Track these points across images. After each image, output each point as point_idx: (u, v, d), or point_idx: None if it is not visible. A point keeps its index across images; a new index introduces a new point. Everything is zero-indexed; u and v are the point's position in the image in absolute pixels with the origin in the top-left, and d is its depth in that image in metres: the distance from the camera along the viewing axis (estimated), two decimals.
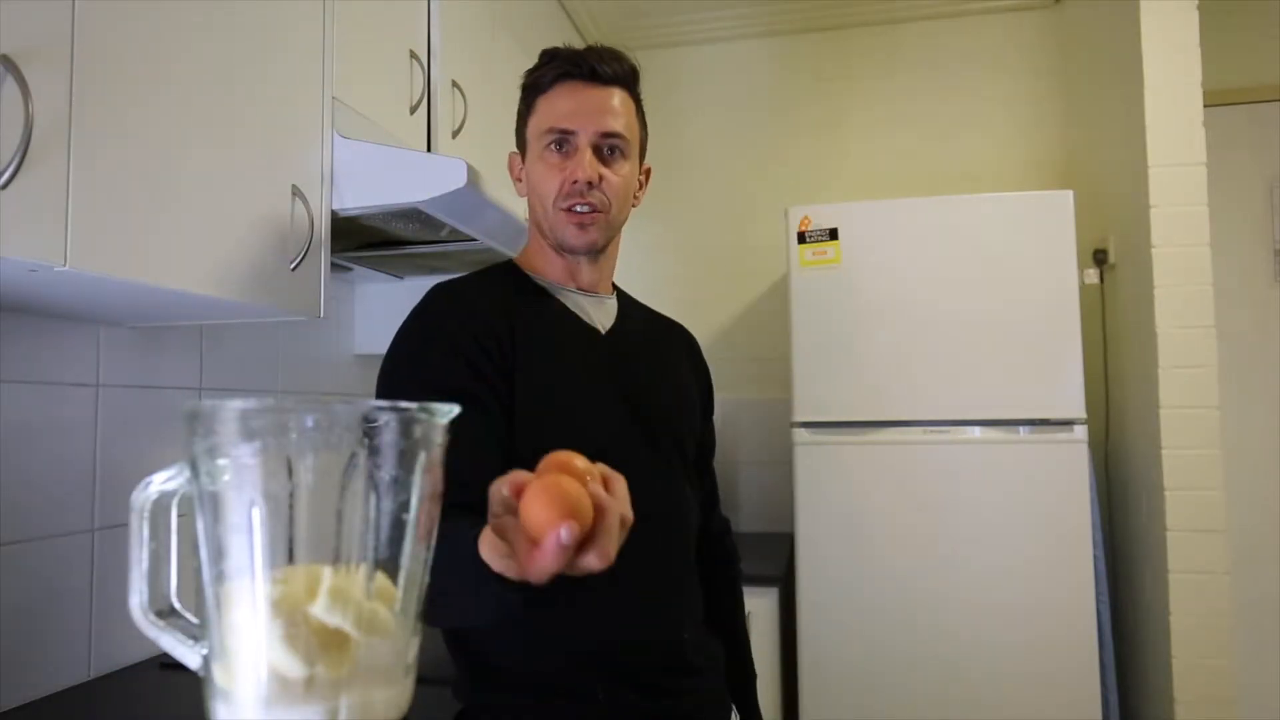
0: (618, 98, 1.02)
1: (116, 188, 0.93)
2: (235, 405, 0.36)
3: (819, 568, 2.24)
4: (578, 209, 1.00)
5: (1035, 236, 2.19)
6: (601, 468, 0.53)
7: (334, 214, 1.37)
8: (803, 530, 2.27)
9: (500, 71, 1.94)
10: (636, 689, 0.97)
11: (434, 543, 0.40)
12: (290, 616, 0.35)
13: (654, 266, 3.01)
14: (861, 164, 2.95)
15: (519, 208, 1.26)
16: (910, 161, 2.90)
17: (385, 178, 1.36)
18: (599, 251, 1.06)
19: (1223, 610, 2.07)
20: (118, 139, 0.93)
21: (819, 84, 3.01)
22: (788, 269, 2.33)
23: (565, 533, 0.45)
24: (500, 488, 0.50)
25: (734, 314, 3.01)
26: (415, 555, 0.39)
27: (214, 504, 0.37)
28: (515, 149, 1.10)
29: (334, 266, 1.62)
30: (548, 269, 1.07)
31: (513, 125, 1.10)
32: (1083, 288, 2.29)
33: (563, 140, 1.01)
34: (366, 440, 0.37)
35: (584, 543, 0.48)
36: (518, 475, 0.49)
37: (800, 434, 2.29)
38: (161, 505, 0.40)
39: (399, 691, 0.39)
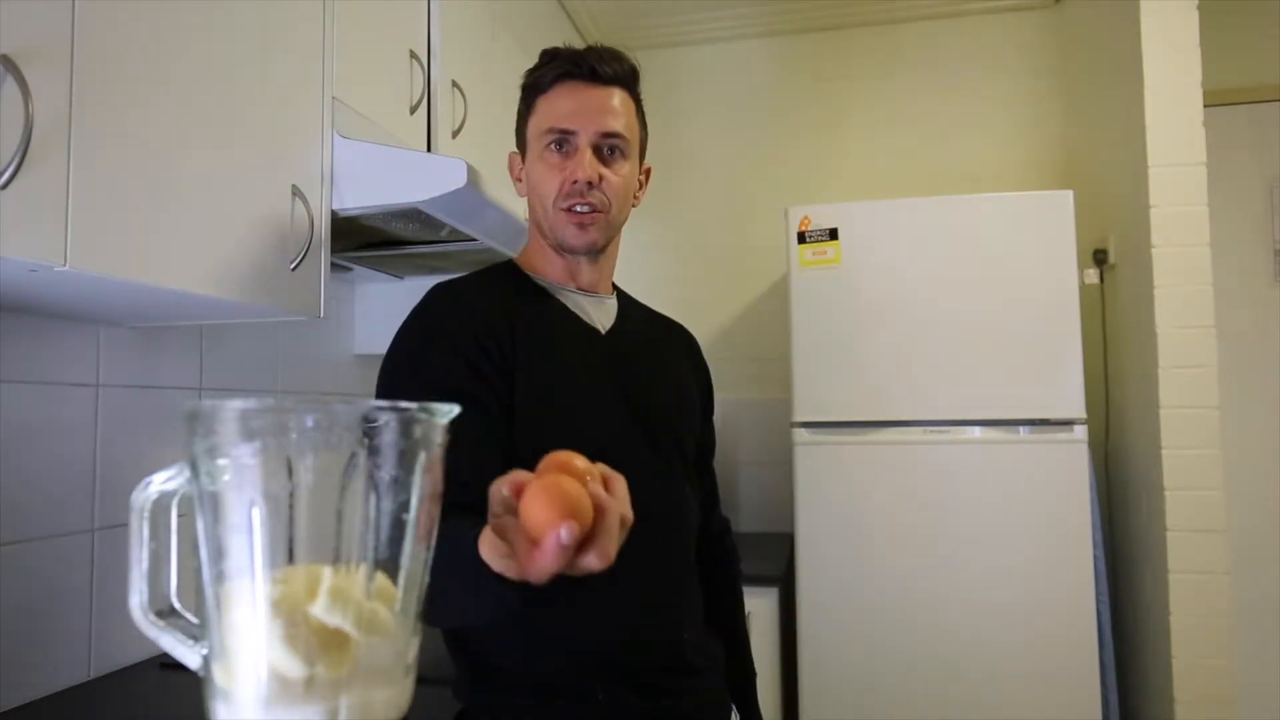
0: (618, 98, 1.02)
1: (116, 188, 0.93)
2: (235, 405, 0.36)
3: (819, 568, 2.24)
4: (578, 209, 1.00)
5: (1035, 236, 2.19)
6: (601, 468, 0.53)
7: (334, 214, 1.37)
8: (803, 530, 2.27)
9: (500, 71, 1.94)
10: (636, 689, 0.97)
11: (434, 543, 0.40)
12: (290, 616, 0.35)
13: (654, 266, 3.01)
14: (861, 164, 2.95)
15: (519, 208, 1.26)
16: (910, 161, 2.90)
17: (385, 178, 1.36)
18: (599, 251, 1.06)
19: (1223, 610, 2.07)
20: (118, 139, 0.93)
21: (819, 84, 3.01)
22: (788, 269, 2.33)
23: (565, 533, 0.45)
24: (500, 487, 0.50)
25: (734, 314, 3.01)
26: (415, 555, 0.39)
27: (214, 504, 0.37)
28: (515, 149, 1.10)
29: (334, 266, 1.62)
30: (548, 269, 1.07)
31: (513, 125, 1.10)
32: (1083, 288, 2.29)
33: (563, 140, 1.01)
34: (366, 440, 0.37)
35: (584, 543, 0.48)
36: (517, 475, 0.49)
37: (800, 434, 2.29)
38: (161, 505, 0.40)
39: (399, 691, 0.39)
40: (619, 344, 1.08)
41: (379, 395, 0.95)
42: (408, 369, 0.96)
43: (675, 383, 1.15)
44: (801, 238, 2.30)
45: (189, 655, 0.40)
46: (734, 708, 1.17)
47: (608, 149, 1.01)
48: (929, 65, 2.93)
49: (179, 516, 0.40)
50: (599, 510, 0.49)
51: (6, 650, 1.16)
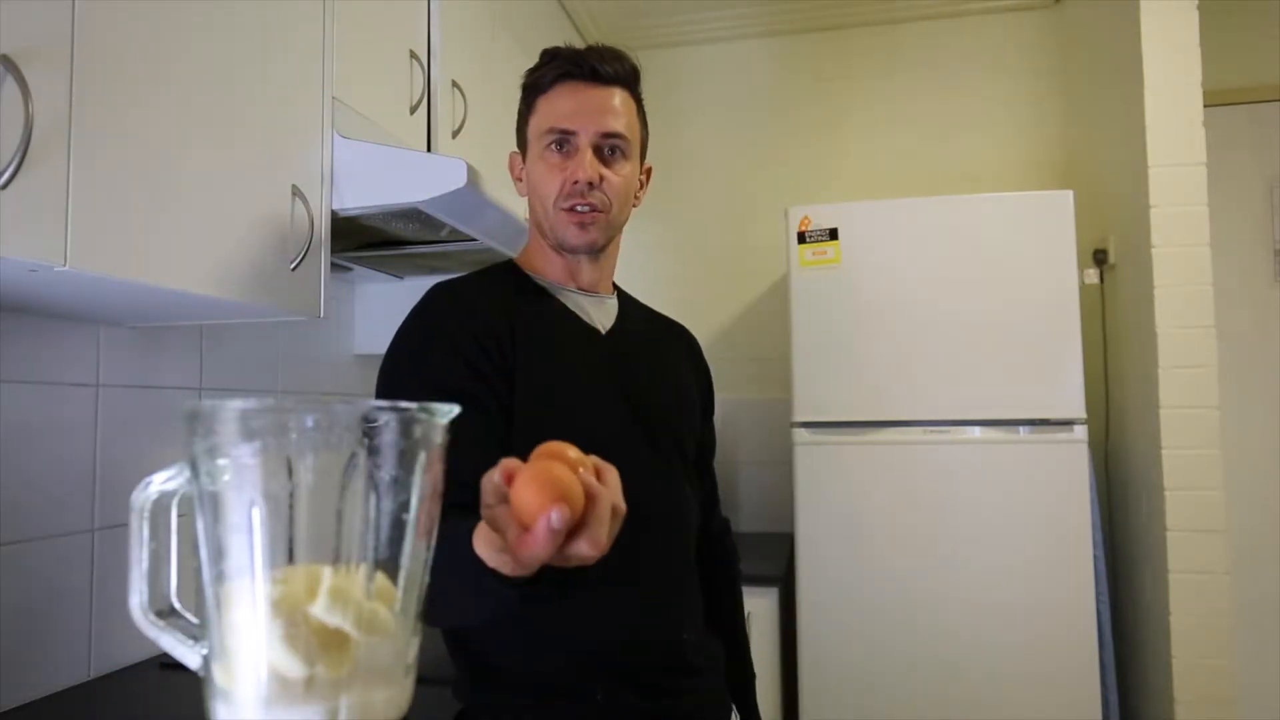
0: (618, 98, 1.02)
1: (116, 188, 0.93)
2: (235, 405, 0.36)
3: (819, 568, 2.24)
4: (578, 209, 1.00)
5: (1035, 236, 2.19)
6: (594, 458, 0.53)
7: (334, 214, 1.37)
8: (803, 530, 2.27)
9: (500, 71, 1.94)
10: (636, 689, 0.97)
11: (434, 542, 0.40)
12: (290, 616, 0.35)
13: (654, 266, 3.01)
14: (861, 164, 2.95)
15: (519, 208, 1.26)
16: (910, 161, 2.91)
17: (385, 178, 1.36)
18: (599, 251, 1.06)
19: (1223, 610, 2.07)
20: (118, 139, 0.93)
21: (819, 84, 3.01)
22: (788, 269, 2.33)
23: (556, 516, 0.45)
24: (493, 475, 0.50)
25: (734, 314, 3.01)
26: (415, 555, 0.39)
27: (214, 504, 0.37)
28: (515, 149, 1.10)
29: (334, 266, 1.62)
30: (548, 269, 1.07)
31: (513, 125, 1.10)
32: (1083, 288, 2.29)
33: (563, 140, 1.01)
34: (366, 440, 0.37)
35: (575, 530, 0.48)
36: (510, 463, 0.49)
37: (800, 434, 2.29)
38: (161, 505, 0.40)
39: (399, 691, 0.39)
40: (619, 344, 1.07)
41: (379, 395, 0.95)
42: (408, 369, 0.96)
43: (675, 383, 1.15)
44: (801, 238, 2.30)
45: (189, 655, 0.40)
46: (734, 708, 1.17)
47: (608, 149, 1.01)
48: (929, 65, 2.93)
49: (179, 516, 0.40)
50: (590, 498, 0.49)
51: (6, 650, 1.16)
